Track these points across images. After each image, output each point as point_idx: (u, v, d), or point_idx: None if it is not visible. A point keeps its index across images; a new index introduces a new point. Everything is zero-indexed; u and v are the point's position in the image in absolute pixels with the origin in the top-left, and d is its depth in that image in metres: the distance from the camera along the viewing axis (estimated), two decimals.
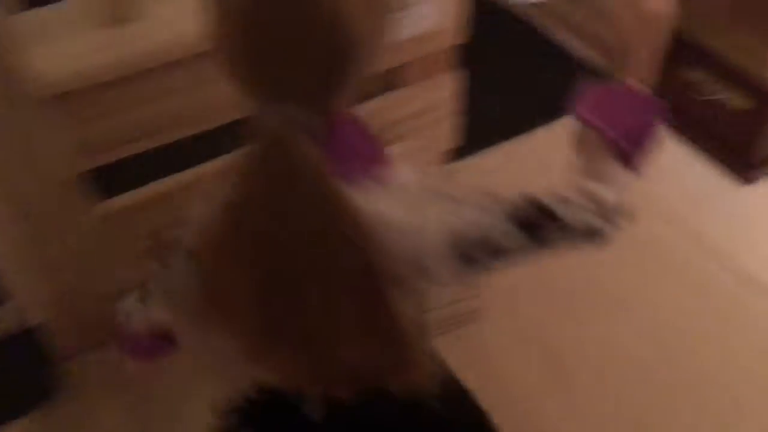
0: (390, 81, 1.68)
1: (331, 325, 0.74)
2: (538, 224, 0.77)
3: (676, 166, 2.20)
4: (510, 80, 2.42)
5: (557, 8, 2.41)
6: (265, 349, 0.79)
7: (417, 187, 0.77)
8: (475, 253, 0.75)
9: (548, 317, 1.84)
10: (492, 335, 1.78)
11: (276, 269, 0.72)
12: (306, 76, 0.68)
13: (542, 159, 1.89)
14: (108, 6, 1.33)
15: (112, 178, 1.48)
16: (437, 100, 1.76)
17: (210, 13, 0.70)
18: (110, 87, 1.31)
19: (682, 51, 2.09)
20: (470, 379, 1.08)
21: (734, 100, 2.08)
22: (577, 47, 2.10)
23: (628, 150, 0.84)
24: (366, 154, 0.87)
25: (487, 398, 1.09)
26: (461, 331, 1.72)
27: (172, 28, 1.33)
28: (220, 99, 0.89)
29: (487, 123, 2.13)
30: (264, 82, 0.69)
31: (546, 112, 2.17)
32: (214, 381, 0.91)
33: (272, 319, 0.75)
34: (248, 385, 0.96)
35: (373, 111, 1.63)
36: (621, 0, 0.95)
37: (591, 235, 0.80)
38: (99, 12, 1.34)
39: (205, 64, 0.81)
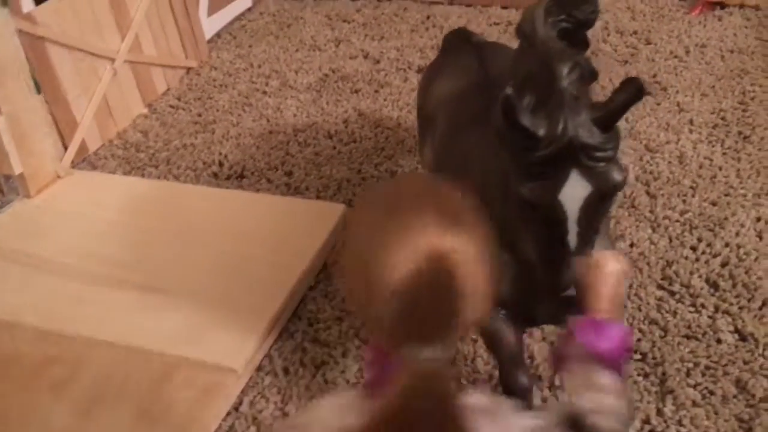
0: None
1: None
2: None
3: None
4: None
5: None
6: None
7: None
8: None
9: None
10: None
11: None
12: (443, 327, 1.04)
13: None
14: None
15: None
16: None
17: (367, 293, 1.02)
18: None
19: None
20: None
21: None
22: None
23: (617, 358, 1.23)
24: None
25: None
26: None
27: None
28: None
29: None
30: (415, 337, 1.02)
31: None
32: None
33: None
34: None
35: None
36: (585, 262, 1.36)
37: None
38: None
39: None
